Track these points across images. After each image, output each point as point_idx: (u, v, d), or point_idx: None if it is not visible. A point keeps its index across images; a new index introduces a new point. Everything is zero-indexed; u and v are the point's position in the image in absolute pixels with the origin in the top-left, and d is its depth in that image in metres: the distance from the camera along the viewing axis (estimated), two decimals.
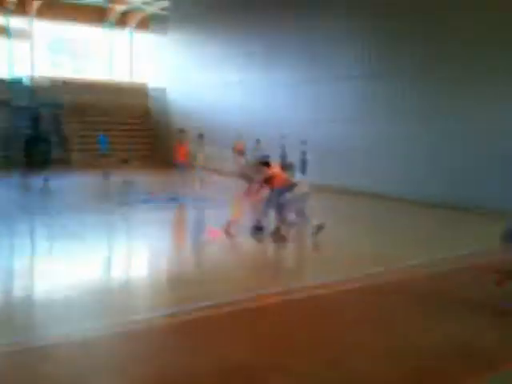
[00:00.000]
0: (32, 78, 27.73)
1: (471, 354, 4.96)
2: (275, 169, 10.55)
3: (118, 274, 8.10)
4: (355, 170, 17.15)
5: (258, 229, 10.38)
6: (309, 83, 19.15)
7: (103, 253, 9.41)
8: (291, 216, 10.54)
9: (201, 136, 15.80)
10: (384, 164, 16.26)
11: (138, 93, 30.47)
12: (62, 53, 32.70)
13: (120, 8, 31.43)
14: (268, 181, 10.35)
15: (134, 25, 32.63)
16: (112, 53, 32.90)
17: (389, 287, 7.02)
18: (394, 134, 16.03)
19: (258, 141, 17.50)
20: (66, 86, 27.58)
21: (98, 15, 31.55)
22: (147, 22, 31.79)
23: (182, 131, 16.23)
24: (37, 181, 17.35)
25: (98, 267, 8.16)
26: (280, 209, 10.32)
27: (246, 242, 9.88)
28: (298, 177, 11.29)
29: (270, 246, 9.76)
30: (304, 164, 14.50)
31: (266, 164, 10.58)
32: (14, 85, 26.82)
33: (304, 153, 14.92)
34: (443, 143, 14.70)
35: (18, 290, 6.97)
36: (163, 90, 29.86)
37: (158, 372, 4.43)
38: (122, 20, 32.47)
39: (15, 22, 29.13)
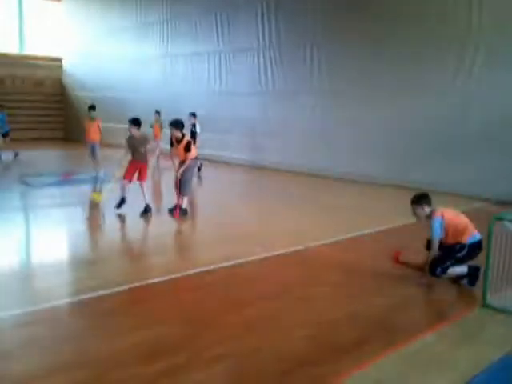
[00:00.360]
0: None
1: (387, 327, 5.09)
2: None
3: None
4: (254, 145, 17.29)
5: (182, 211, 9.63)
6: (212, 54, 18.88)
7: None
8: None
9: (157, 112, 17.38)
10: (282, 140, 16.45)
11: (45, 66, 28.79)
12: None
13: None
14: (188, 147, 9.51)
15: None
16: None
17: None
18: (287, 109, 16.23)
19: (157, 113, 17.31)
20: None
21: None
22: None
23: (92, 107, 15.70)
24: None
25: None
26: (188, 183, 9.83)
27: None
28: None
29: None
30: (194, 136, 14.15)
31: (181, 125, 9.67)
32: None
33: (194, 125, 14.67)
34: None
35: None
36: (58, 62, 28.51)
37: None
38: None
39: None
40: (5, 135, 18.64)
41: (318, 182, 14.37)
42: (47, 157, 20.59)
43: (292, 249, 7.51)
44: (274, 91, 16.77)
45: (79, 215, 9.94)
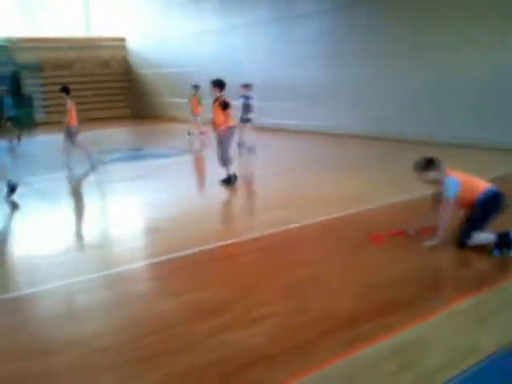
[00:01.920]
0: (8, 40, 26.99)
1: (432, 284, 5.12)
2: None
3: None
4: (317, 110, 17.13)
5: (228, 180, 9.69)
6: (268, 23, 18.81)
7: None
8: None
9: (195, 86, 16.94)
10: (347, 103, 16.20)
11: (110, 47, 29.73)
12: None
13: None
14: (225, 105, 9.29)
15: None
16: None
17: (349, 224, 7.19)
18: (355, 72, 15.90)
19: (195, 87, 17.19)
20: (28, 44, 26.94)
21: None
22: None
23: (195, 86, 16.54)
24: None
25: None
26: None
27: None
28: None
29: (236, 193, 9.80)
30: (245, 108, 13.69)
31: (219, 84, 9.42)
32: None
33: (246, 96, 13.82)
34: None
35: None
36: (123, 41, 29.32)
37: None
38: None
39: None
40: (11, 119, 19.21)
41: (385, 145, 14.10)
42: (120, 133, 21.44)
43: (345, 212, 7.57)
44: (332, 55, 16.56)
45: (148, 187, 10.36)
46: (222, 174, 9.83)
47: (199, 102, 16.97)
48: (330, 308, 4.58)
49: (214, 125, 9.61)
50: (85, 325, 4.53)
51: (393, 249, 6.01)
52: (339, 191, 9.12)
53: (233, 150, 9.79)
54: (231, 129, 9.68)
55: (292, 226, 7.03)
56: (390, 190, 8.95)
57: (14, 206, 9.06)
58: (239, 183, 9.92)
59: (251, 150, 13.51)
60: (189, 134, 17.21)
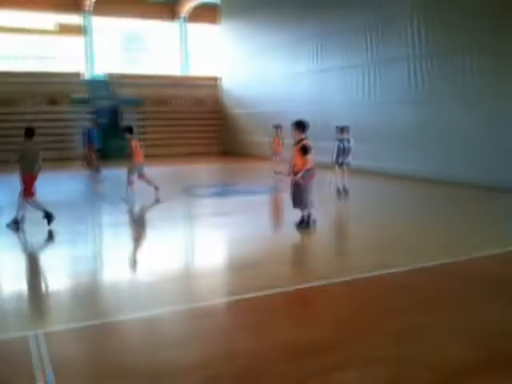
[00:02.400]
0: (109, 76, 28.87)
1: None
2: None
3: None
4: (407, 155, 16.85)
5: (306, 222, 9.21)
6: (362, 67, 18.91)
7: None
8: None
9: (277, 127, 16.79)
10: (440, 148, 15.83)
11: (205, 86, 31.05)
12: (122, 48, 33.43)
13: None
14: (305, 150, 8.76)
15: (184, 15, 32.92)
16: (172, 45, 33.45)
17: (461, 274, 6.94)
18: (449, 116, 15.57)
19: (276, 127, 17.00)
20: (129, 80, 28.58)
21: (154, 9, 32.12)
22: (197, 12, 32.17)
23: (277, 126, 16.73)
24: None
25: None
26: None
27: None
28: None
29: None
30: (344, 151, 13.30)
31: (302, 126, 8.95)
32: (94, 83, 28.22)
33: (341, 140, 13.33)
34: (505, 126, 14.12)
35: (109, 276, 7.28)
36: (217, 81, 30.48)
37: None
38: (173, 11, 32.92)
39: (77, 19, 30.02)
40: (96, 151, 20.34)
41: (477, 192, 13.65)
42: (210, 169, 22.04)
43: (441, 261, 7.33)
44: (424, 100, 16.36)
45: (243, 222, 10.53)
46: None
47: (281, 143, 17.07)
48: (438, 358, 4.41)
49: (293, 168, 9.12)
50: (191, 353, 4.59)
51: (503, 301, 5.74)
52: (430, 237, 8.85)
53: (312, 193, 9.28)
54: (309, 171, 9.02)
55: (388, 270, 6.88)
56: (482, 239, 8.60)
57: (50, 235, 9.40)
58: (332, 225, 9.89)
59: (345, 193, 13.32)
60: (275, 172, 17.42)
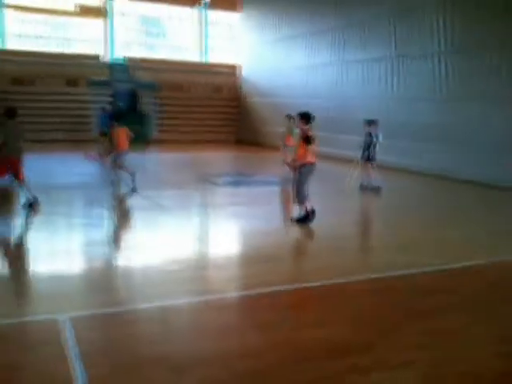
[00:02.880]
0: (128, 59, 28.81)
1: None
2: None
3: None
4: (430, 152, 16.65)
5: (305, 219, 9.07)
6: (385, 60, 18.68)
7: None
8: None
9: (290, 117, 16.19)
10: (465, 146, 15.62)
11: (224, 73, 30.88)
12: (142, 32, 33.29)
13: None
14: (308, 140, 8.76)
15: (205, 1, 32.69)
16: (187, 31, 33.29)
17: None
18: (475, 115, 15.34)
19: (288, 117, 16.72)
20: (148, 65, 28.49)
21: None
22: None
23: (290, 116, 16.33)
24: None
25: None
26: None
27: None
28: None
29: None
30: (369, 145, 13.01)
31: (307, 117, 8.94)
32: (113, 66, 28.26)
33: (369, 134, 13.09)
34: None
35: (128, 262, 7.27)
36: (236, 69, 30.33)
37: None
38: None
39: (97, 1, 29.92)
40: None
41: (496, 193, 13.51)
42: (225, 158, 21.98)
43: (473, 261, 7.23)
44: (448, 97, 16.15)
45: (259, 213, 10.47)
46: (333, 204, 9.72)
47: (291, 133, 16.67)
48: (465, 364, 4.32)
49: (295, 158, 9.14)
50: (219, 344, 4.55)
51: None
52: (460, 236, 8.74)
53: (308, 187, 9.14)
54: (310, 165, 8.99)
55: (414, 270, 6.79)
56: None
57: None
58: (354, 221, 9.79)
59: (376, 190, 12.90)
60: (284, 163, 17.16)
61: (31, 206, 9.51)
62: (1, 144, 9.10)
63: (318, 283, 6.18)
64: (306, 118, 8.95)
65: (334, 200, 12.29)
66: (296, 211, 9.37)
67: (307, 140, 8.79)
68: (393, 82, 18.32)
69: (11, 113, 9.24)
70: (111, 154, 12.68)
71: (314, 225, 9.21)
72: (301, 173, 9.01)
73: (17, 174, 9.36)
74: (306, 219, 9.04)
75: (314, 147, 8.92)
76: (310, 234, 8.92)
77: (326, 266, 6.93)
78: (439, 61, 16.41)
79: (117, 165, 12.47)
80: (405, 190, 14.50)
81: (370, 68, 19.39)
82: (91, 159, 13.18)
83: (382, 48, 18.68)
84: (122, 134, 12.50)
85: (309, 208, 9.07)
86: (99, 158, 16.23)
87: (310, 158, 8.92)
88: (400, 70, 18.00)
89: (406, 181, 15.96)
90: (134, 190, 12.06)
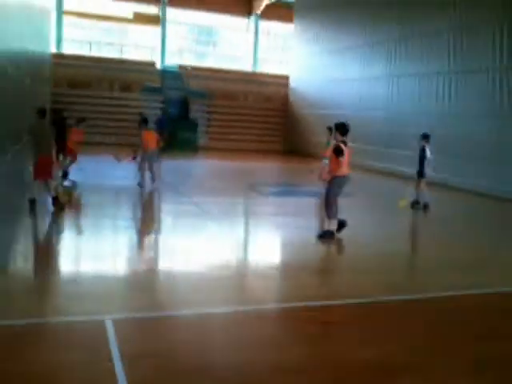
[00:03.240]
0: (181, 67, 29.26)
1: None
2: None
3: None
4: (485, 171, 16.09)
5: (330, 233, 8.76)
6: (442, 75, 18.25)
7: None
8: None
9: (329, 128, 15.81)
10: None
11: (274, 84, 30.96)
12: (193, 40, 33.75)
13: None
14: (338, 151, 8.41)
15: (258, 12, 32.87)
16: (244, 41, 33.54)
17: None
18: None
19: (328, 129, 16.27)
20: (198, 73, 28.81)
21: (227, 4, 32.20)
22: (271, 10, 32.03)
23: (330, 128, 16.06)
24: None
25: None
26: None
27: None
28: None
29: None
30: (421, 160, 12.46)
31: (341, 128, 8.59)
32: (166, 73, 28.78)
33: (423, 149, 12.49)
34: None
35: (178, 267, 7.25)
36: (286, 79, 30.33)
37: None
38: (247, 7, 32.91)
39: (152, 9, 30.52)
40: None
41: None
42: (272, 168, 21.92)
43: None
44: (509, 114, 15.57)
45: (304, 223, 10.31)
46: (382, 220, 9.43)
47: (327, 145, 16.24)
48: None
49: (327, 170, 8.91)
50: (261, 357, 4.42)
51: None
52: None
53: (337, 202, 8.81)
54: (341, 178, 8.69)
55: (471, 291, 6.49)
56: None
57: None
58: (407, 238, 9.49)
59: (425, 206, 12.37)
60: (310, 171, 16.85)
61: (54, 204, 9.51)
62: (33, 144, 9.30)
63: (363, 300, 5.96)
64: (340, 128, 8.61)
65: (384, 215, 12.00)
66: (356, 222, 9.12)
67: (337, 152, 8.47)
68: (450, 97, 17.82)
69: (42, 113, 9.40)
70: (139, 155, 13.12)
71: (361, 239, 8.98)
72: (331, 185, 8.76)
73: (48, 173, 9.46)
74: (330, 234, 8.73)
75: (345, 159, 8.56)
76: (357, 249, 8.68)
77: (372, 282, 6.70)
78: (499, 76, 15.88)
79: (145, 165, 12.97)
80: (458, 208, 14.01)
81: (425, 82, 18.96)
82: (123, 160, 13.57)
83: (440, 62, 18.23)
84: (150, 135, 13.09)
85: (332, 227, 8.75)
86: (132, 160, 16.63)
87: (341, 171, 8.62)
88: (458, 85, 17.51)
89: (459, 200, 15.46)
90: (140, 185, 12.72)
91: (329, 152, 8.93)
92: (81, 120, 14.01)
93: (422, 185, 12.51)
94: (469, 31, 17.00)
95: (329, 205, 8.73)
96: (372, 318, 5.51)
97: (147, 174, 13.02)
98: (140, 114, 19.65)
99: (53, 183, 9.80)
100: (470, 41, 16.96)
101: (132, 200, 12.14)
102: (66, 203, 9.97)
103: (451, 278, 6.98)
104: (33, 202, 9.25)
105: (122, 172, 15.26)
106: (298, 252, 8.17)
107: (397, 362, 4.44)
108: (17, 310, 5.08)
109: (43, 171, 9.34)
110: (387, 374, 4.20)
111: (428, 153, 12.34)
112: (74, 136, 13.35)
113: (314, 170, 16.63)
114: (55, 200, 9.52)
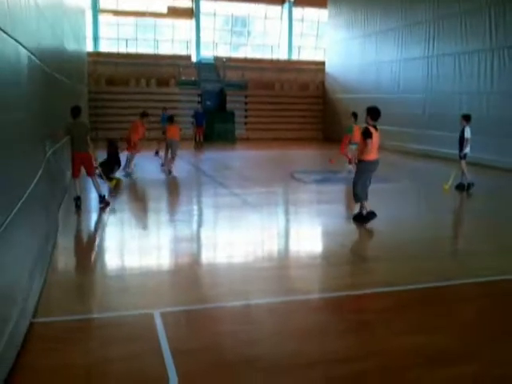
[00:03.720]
0: (216, 59, 29.33)
1: None
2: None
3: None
4: None
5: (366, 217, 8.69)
6: (480, 53, 17.69)
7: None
8: None
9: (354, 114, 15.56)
10: None
11: (310, 70, 30.67)
12: (229, 31, 33.70)
13: None
14: (366, 134, 8.31)
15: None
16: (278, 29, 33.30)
17: None
18: None
19: (353, 114, 15.86)
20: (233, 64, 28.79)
21: None
22: None
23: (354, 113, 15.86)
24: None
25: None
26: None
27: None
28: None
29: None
30: (461, 142, 12.09)
31: (372, 112, 8.47)
32: (201, 66, 28.90)
33: (463, 129, 12.11)
34: None
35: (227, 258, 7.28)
36: (322, 65, 29.95)
37: None
38: None
39: (186, 2, 30.61)
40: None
41: None
42: (312, 155, 21.76)
43: None
44: None
45: (345, 211, 10.18)
46: (426, 205, 9.23)
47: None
48: None
49: (378, 155, 8.69)
50: (313, 347, 4.38)
51: None
52: None
53: (365, 186, 8.68)
54: (369, 162, 8.55)
55: None
56: None
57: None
58: (450, 222, 9.26)
59: (469, 187, 12.11)
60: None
61: (102, 202, 9.70)
62: (70, 142, 9.52)
63: (412, 286, 5.84)
64: (371, 113, 8.48)
65: (428, 200, 11.76)
66: (396, 211, 9.00)
67: (364, 134, 8.35)
68: (492, 76, 17.27)
69: (75, 112, 9.51)
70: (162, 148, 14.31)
71: (406, 224, 8.83)
72: (359, 170, 8.70)
73: (88, 169, 9.63)
74: (363, 218, 8.66)
75: (373, 143, 8.39)
76: (400, 235, 8.52)
77: (420, 269, 6.56)
78: None
79: (169, 155, 14.25)
80: (505, 189, 13.60)
81: (466, 61, 18.43)
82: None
83: (479, 39, 17.67)
84: (174, 127, 14.58)
85: (368, 209, 8.65)
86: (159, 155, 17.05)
87: (369, 155, 8.45)
88: (500, 62, 16.94)
89: (505, 180, 15.01)
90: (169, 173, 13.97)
91: (358, 135, 8.75)
92: (145, 114, 14.41)
93: (463, 165, 12.21)
94: (509, 6, 16.40)
95: (355, 188, 8.62)
96: (422, 305, 5.40)
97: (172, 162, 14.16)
98: (164, 109, 19.99)
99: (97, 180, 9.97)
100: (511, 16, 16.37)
101: (172, 193, 12.24)
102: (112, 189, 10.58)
103: (501, 262, 6.78)
104: (78, 200, 9.45)
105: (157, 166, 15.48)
106: (339, 240, 8.03)
107: (450, 350, 4.34)
108: (66, 306, 5.18)
109: (80, 168, 9.52)
110: (435, 363, 4.09)
111: (467, 134, 12.01)
112: (138, 131, 13.94)
113: (333, 157, 16.52)
114: (103, 198, 9.69)
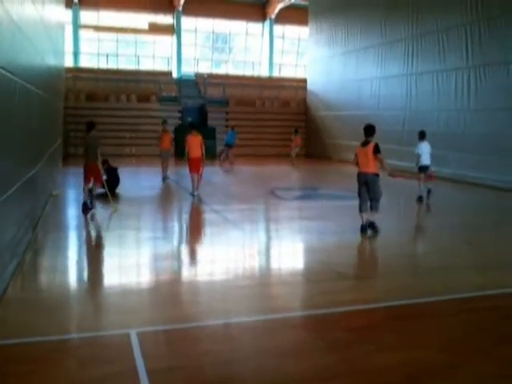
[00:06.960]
0: (197, 75, 29.32)
1: None
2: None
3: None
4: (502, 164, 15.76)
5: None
6: (457, 71, 17.97)
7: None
8: None
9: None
10: None
11: (291, 87, 30.81)
12: (210, 48, 33.83)
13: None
14: (377, 149, 8.79)
15: (272, 16, 32.85)
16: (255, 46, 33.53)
17: None
18: None
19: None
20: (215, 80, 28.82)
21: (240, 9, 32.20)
22: (285, 14, 31.97)
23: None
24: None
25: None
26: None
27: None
28: None
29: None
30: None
31: (370, 130, 9.02)
32: (182, 82, 28.80)
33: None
34: None
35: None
36: (303, 83, 30.15)
37: None
38: (261, 12, 32.89)
39: (167, 19, 30.70)
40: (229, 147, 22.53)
41: None
42: (292, 171, 21.75)
43: None
44: None
45: (327, 227, 10.16)
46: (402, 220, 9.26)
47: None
48: None
49: (366, 168, 8.95)
50: (291, 366, 4.31)
51: None
52: None
53: (360, 197, 9.12)
54: (358, 174, 9.15)
55: (504, 290, 6.29)
56: None
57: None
58: (431, 237, 9.30)
59: (421, 199, 12.68)
60: None
61: (83, 210, 10.44)
62: (83, 152, 10.93)
63: (392, 303, 5.83)
64: (368, 130, 9.04)
65: (404, 215, 11.81)
66: (385, 225, 9.12)
67: (377, 149, 8.87)
68: (469, 93, 17.52)
69: (90, 126, 10.80)
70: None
71: (386, 241, 8.83)
72: (375, 182, 9.04)
73: (96, 179, 10.76)
74: (362, 228, 9.05)
75: (361, 158, 8.97)
76: (382, 251, 8.52)
77: (401, 285, 6.55)
78: None
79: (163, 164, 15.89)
80: (480, 205, 13.74)
81: (443, 79, 18.69)
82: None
83: (456, 58, 17.95)
84: (167, 137, 16.33)
85: (364, 221, 9.05)
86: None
87: (358, 168, 9.11)
88: (477, 80, 17.18)
89: (481, 196, 15.17)
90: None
91: (366, 151, 8.99)
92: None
93: (421, 178, 12.93)
94: (487, 25, 16.69)
95: (377, 199, 9.02)
96: (401, 322, 5.36)
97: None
98: (163, 122, 19.88)
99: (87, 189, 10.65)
100: (489, 36, 16.65)
101: (153, 210, 12.11)
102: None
103: (480, 279, 6.79)
104: (85, 205, 10.45)
105: (143, 183, 15.33)
106: (320, 257, 7.99)
107: (428, 367, 4.30)
108: (43, 325, 5.04)
109: (90, 176, 10.60)
110: (417, 380, 4.06)
111: (418, 149, 12.84)
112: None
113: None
114: (85, 205, 10.45)
